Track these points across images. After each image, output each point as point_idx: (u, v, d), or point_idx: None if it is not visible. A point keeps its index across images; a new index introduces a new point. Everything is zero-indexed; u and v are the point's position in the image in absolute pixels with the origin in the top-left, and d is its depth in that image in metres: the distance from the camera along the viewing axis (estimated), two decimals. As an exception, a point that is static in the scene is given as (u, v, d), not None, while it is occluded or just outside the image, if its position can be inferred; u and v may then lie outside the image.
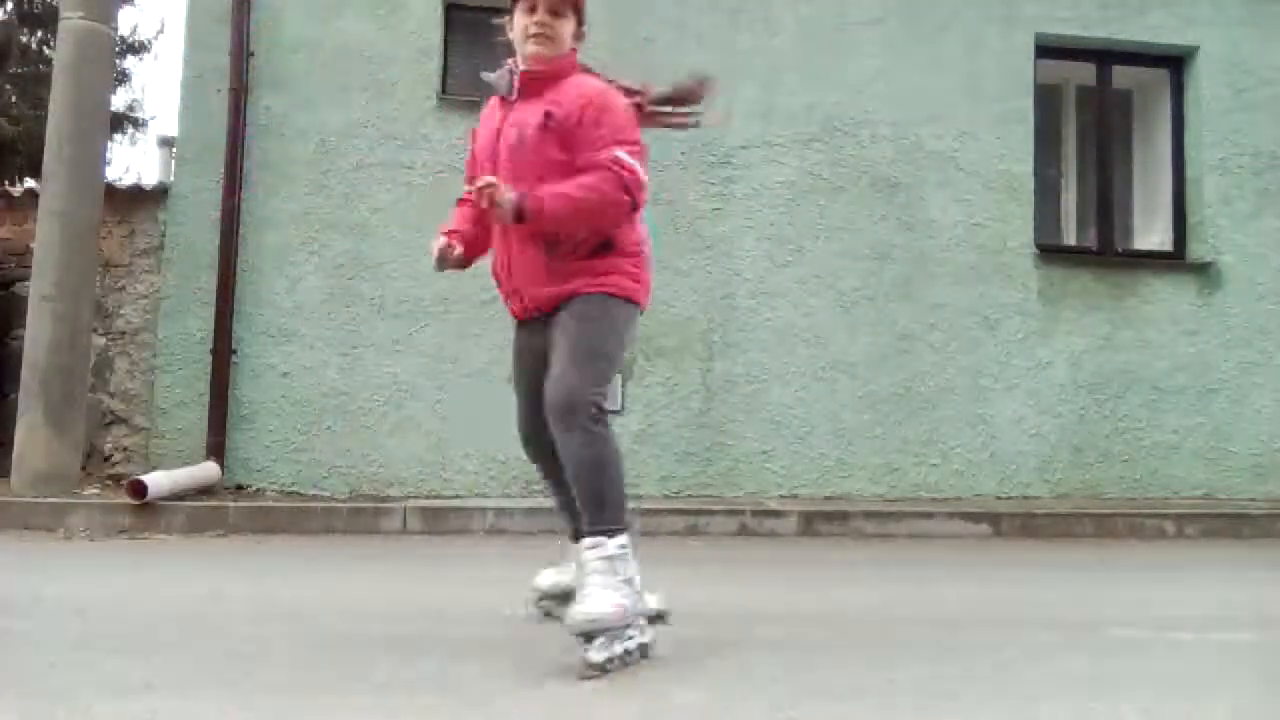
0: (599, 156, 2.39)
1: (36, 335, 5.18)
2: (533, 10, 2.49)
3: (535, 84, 2.50)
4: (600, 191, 2.38)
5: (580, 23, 2.56)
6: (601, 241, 2.48)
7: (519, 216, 2.34)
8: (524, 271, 2.51)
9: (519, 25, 2.52)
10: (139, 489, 4.77)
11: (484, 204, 2.33)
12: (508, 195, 2.32)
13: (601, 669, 2.25)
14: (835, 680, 2.31)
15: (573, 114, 2.42)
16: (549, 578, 2.88)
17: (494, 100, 2.64)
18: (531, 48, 2.49)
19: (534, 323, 2.57)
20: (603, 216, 2.44)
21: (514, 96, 2.53)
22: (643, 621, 2.44)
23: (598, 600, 2.31)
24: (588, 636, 2.29)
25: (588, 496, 2.45)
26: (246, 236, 5.82)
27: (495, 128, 2.55)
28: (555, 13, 2.49)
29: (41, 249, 5.26)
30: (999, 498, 6.19)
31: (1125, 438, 6.37)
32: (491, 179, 2.34)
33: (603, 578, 2.35)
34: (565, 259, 2.46)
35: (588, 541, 2.41)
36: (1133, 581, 4.12)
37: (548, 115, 2.43)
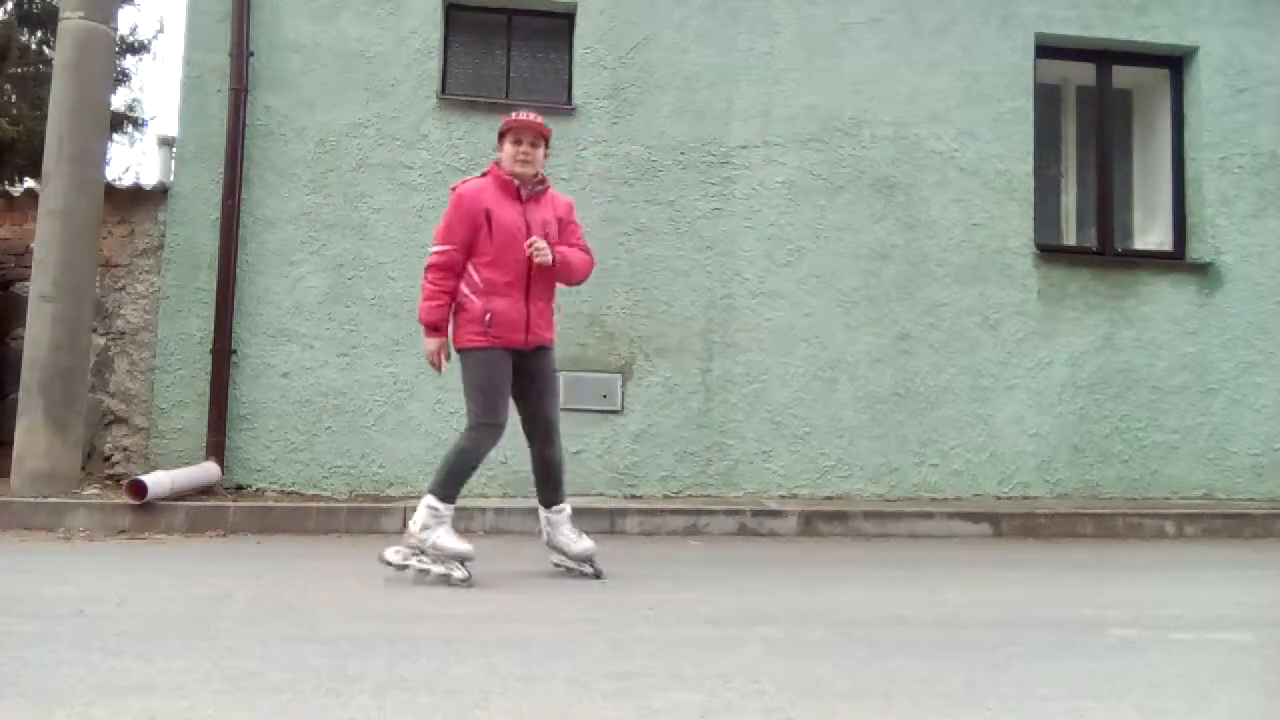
0: (582, 243, 3.92)
1: (36, 335, 5.18)
2: (519, 143, 3.72)
3: (539, 193, 3.81)
4: (588, 263, 3.94)
5: (548, 148, 3.86)
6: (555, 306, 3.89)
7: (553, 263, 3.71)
8: (540, 318, 3.76)
9: (509, 151, 3.73)
10: (139, 489, 4.77)
11: (539, 260, 3.64)
12: (549, 253, 3.67)
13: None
14: (835, 680, 2.31)
15: (565, 217, 3.87)
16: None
17: (497, 187, 3.73)
18: (519, 169, 3.73)
19: (519, 350, 3.73)
20: (583, 276, 3.95)
21: (525, 197, 3.77)
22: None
23: (587, 538, 3.86)
24: (591, 559, 3.83)
25: (563, 480, 3.89)
26: (246, 236, 5.82)
27: (520, 218, 3.70)
28: (534, 145, 3.75)
29: (41, 249, 5.26)
30: (999, 498, 6.19)
31: (1125, 438, 6.37)
32: (544, 244, 3.64)
33: (575, 527, 3.87)
34: (552, 313, 3.85)
35: (560, 504, 3.86)
36: (1133, 581, 4.12)
37: (560, 220, 3.82)
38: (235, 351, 5.74)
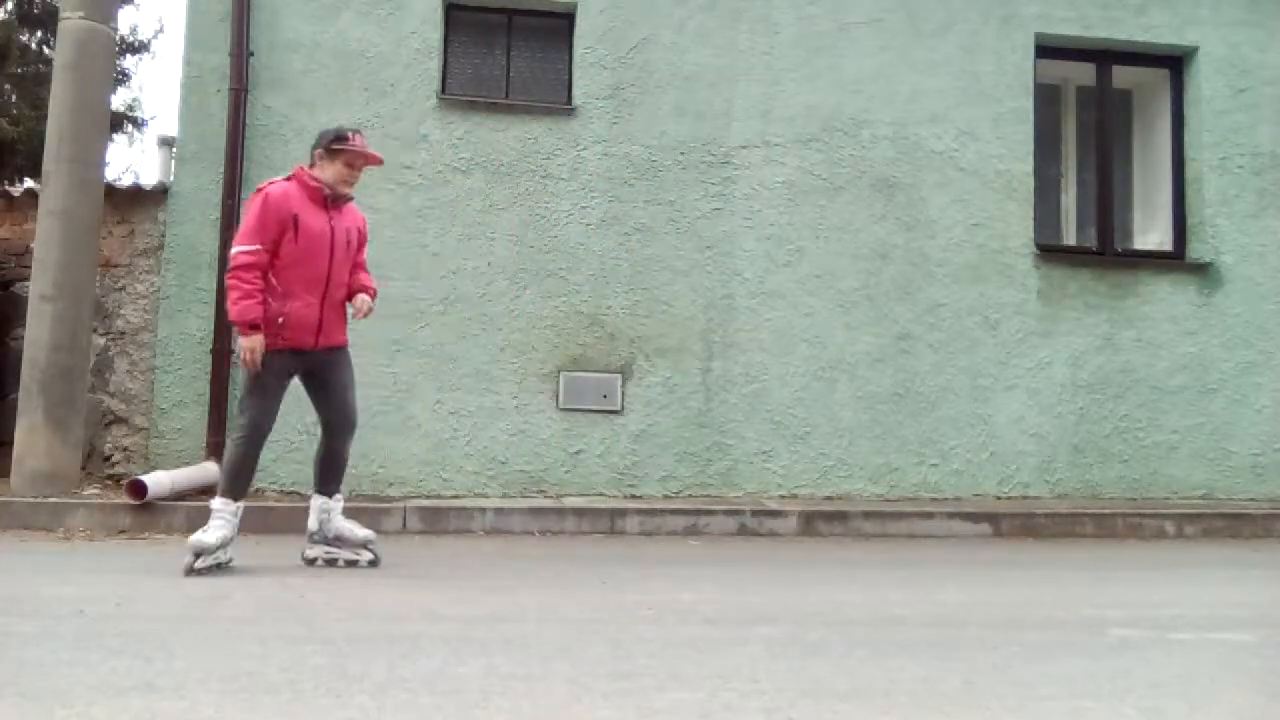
0: (364, 266, 4.14)
1: (36, 335, 5.18)
2: (352, 167, 3.91)
3: (343, 202, 3.98)
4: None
5: None
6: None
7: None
8: (332, 321, 3.94)
9: (341, 172, 3.88)
10: (138, 489, 4.77)
11: (365, 315, 4.06)
12: (370, 303, 4.06)
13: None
14: (835, 680, 2.31)
15: (363, 230, 4.11)
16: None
17: (305, 194, 3.85)
18: (344, 190, 3.94)
19: (308, 352, 3.89)
20: None
21: (330, 205, 3.92)
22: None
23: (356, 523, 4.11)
24: (370, 544, 4.03)
25: (343, 473, 4.11)
26: (246, 236, 5.82)
27: (326, 225, 3.87)
28: (360, 171, 3.98)
29: (41, 249, 5.26)
30: (999, 498, 6.19)
31: (1125, 438, 6.37)
32: (366, 303, 4.04)
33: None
34: (345, 315, 4.04)
35: (339, 494, 4.08)
36: (1133, 581, 4.12)
37: (359, 231, 4.05)
38: (235, 351, 5.74)
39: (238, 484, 3.84)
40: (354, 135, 3.92)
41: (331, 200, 3.89)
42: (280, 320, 3.79)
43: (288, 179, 3.88)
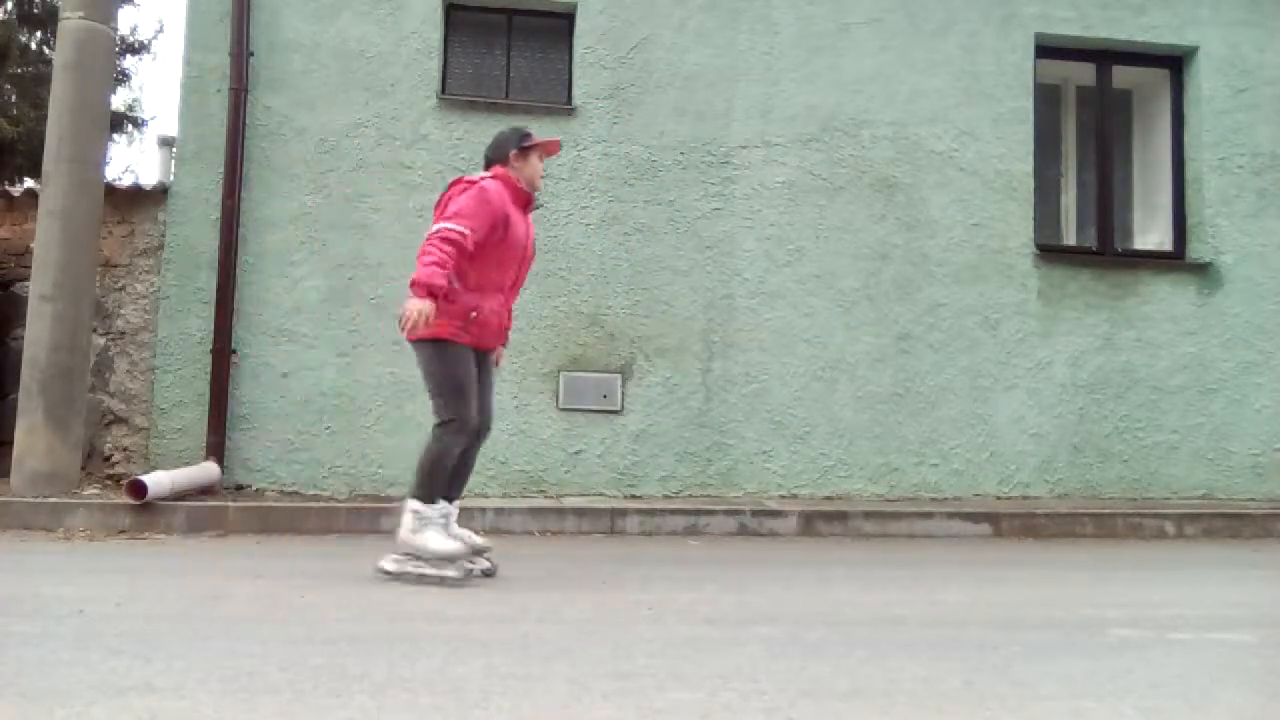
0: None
1: (36, 335, 5.18)
2: (541, 160, 3.84)
3: (533, 210, 3.88)
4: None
5: None
6: None
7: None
8: (506, 330, 3.89)
9: (537, 167, 3.82)
10: (138, 489, 4.77)
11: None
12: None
13: None
14: (835, 680, 2.31)
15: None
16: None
17: (512, 196, 3.71)
18: (540, 184, 3.85)
19: (482, 354, 3.75)
20: None
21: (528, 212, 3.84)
22: None
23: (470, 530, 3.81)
24: (487, 553, 3.72)
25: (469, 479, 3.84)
26: (246, 236, 5.83)
27: (525, 232, 3.78)
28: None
29: (41, 249, 5.26)
30: (999, 498, 6.19)
31: (1125, 438, 6.37)
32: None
33: None
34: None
35: (459, 502, 3.74)
36: (1133, 581, 4.12)
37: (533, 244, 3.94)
38: (235, 351, 5.74)
39: (428, 488, 3.56)
40: (534, 133, 3.85)
41: (532, 204, 3.81)
42: (473, 315, 3.59)
43: (493, 178, 3.69)
